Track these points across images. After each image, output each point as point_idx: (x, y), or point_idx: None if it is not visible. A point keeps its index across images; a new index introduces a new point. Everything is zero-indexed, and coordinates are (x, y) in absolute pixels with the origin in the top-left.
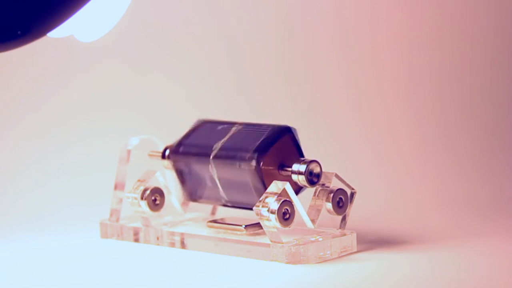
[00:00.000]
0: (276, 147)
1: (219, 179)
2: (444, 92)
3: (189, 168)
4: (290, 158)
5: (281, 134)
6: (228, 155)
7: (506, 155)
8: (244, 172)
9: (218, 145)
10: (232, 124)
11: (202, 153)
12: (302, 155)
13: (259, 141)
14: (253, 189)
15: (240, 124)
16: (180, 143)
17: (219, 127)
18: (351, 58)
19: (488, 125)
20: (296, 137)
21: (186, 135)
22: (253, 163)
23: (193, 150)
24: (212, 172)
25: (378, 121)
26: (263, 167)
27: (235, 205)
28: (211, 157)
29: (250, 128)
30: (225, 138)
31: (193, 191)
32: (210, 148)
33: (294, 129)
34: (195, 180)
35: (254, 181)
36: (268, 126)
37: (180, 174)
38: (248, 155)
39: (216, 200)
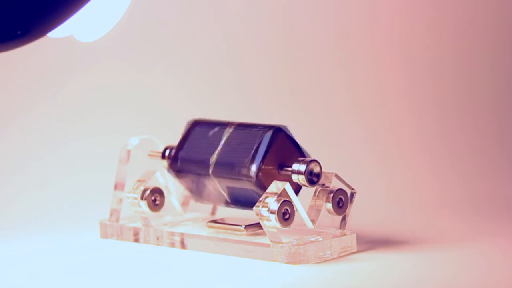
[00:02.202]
0: (271, 153)
1: (223, 188)
2: (445, 91)
3: (191, 180)
4: (289, 155)
5: (273, 138)
6: (225, 171)
7: (507, 155)
8: (245, 184)
9: (213, 159)
10: (223, 126)
11: (201, 170)
12: (301, 150)
13: (253, 152)
14: (257, 196)
15: (231, 126)
16: (175, 158)
17: (211, 133)
18: (351, 57)
19: (490, 125)
20: (289, 134)
21: (179, 145)
22: (252, 175)
23: (190, 167)
24: (214, 183)
25: (379, 121)
26: (262, 176)
27: (243, 207)
28: (210, 172)
29: (241, 132)
30: (219, 149)
31: (198, 195)
32: (207, 164)
33: (285, 126)
34: (199, 187)
35: (256, 190)
36: (258, 128)
37: (185, 184)
38: (245, 170)
39: (223, 202)
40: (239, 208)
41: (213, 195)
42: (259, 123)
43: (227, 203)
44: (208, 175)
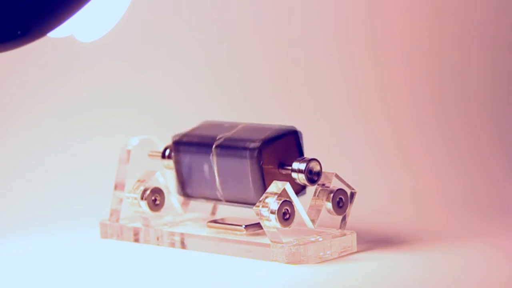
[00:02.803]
0: (279, 144)
1: (217, 171)
2: (445, 91)
3: (189, 158)
4: (291, 158)
5: (286, 133)
6: (230, 145)
7: (507, 155)
8: (244, 163)
9: (223, 136)
10: (237, 123)
11: (205, 143)
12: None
13: (265, 135)
14: (251, 183)
15: (246, 123)
16: (185, 134)
17: (226, 125)
18: (351, 57)
19: (490, 125)
20: (300, 140)
21: (192, 129)
22: (255, 152)
23: (197, 139)
24: (212, 162)
25: (379, 121)
26: (263, 160)
27: (229, 200)
28: (213, 146)
29: (256, 126)
30: (231, 132)
31: (187, 184)
32: (214, 138)
33: (300, 132)
34: (192, 172)
35: (253, 173)
36: (274, 125)
37: (178, 164)
38: (251, 144)
39: (210, 195)
40: (224, 203)
41: (204, 181)
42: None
43: (211, 195)
44: (210, 149)
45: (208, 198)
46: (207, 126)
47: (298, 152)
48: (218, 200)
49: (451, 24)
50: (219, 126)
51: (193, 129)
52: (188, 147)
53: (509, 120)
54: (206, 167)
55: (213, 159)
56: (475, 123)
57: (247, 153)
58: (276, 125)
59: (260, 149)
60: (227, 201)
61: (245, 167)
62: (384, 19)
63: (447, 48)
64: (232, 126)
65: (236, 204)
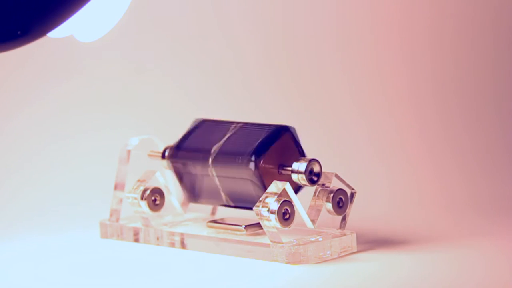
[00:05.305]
0: (275, 148)
1: (220, 182)
2: (447, 91)
3: (189, 172)
4: (291, 157)
5: (279, 134)
6: (226, 160)
7: (509, 154)
8: (244, 175)
9: (216, 149)
10: (229, 123)
11: (201, 158)
12: (303, 154)
13: (257, 143)
14: (254, 191)
15: (238, 123)
16: (178, 147)
17: (217, 128)
18: (354, 57)
19: (492, 125)
20: (295, 136)
21: (183, 137)
22: (251, 166)
23: (191, 155)
24: (212, 176)
25: (380, 121)
26: (262, 169)
27: (237, 205)
28: (209, 161)
29: (248, 128)
30: (223, 140)
31: (193, 192)
32: (208, 152)
33: (293, 128)
34: (195, 182)
35: (255, 183)
36: (266, 126)
37: (180, 177)
38: (246, 158)
39: (217, 201)
40: (234, 203)
41: (208, 190)
42: (267, 123)
43: (220, 199)
44: (207, 164)
45: (218, 204)
46: (198, 134)
47: (296, 148)
48: (228, 206)
49: (452, 22)
50: (210, 130)
51: (185, 136)
52: (184, 165)
53: (511, 120)
54: (208, 181)
55: (213, 173)
56: (477, 122)
57: (245, 168)
58: (268, 125)
59: (256, 164)
60: (236, 206)
61: (245, 179)
62: (386, 18)
63: (449, 48)
64: (224, 129)
65: (244, 208)
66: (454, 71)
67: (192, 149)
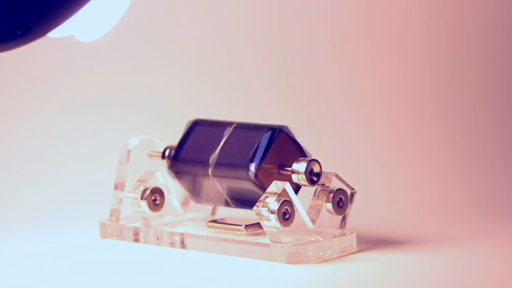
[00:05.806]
0: (271, 153)
1: (223, 188)
2: (445, 91)
3: (190, 180)
4: (290, 156)
5: (274, 138)
6: (225, 171)
7: (508, 155)
8: (245, 185)
9: (213, 159)
10: (223, 126)
11: (200, 171)
12: (302, 150)
13: (252, 151)
14: (257, 196)
15: (231, 125)
16: (175, 158)
17: (211, 133)
18: (351, 57)
19: (490, 125)
20: (291, 135)
21: (179, 145)
22: (251, 175)
23: (190, 168)
24: (214, 184)
25: (379, 121)
26: (261, 176)
27: (243, 206)
28: (209, 173)
29: (242, 132)
30: (218, 149)
31: (198, 196)
32: (207, 164)
33: (286, 127)
34: (198, 188)
35: (256, 190)
36: (259, 129)
37: (183, 183)
38: (244, 169)
39: (223, 204)
40: (239, 207)
41: (213, 195)
42: (260, 123)
43: (227, 203)
44: (207, 175)
45: (222, 205)
46: (193, 142)
47: (295, 147)
48: (228, 205)
49: (449, 22)
50: (204, 136)
51: (180, 144)
52: (185, 174)
53: (509, 120)
54: (210, 187)
55: (215, 183)
56: (475, 123)
57: (245, 178)
58: (262, 127)
59: (256, 175)
60: (241, 207)
61: (247, 186)
62: (383, 18)
63: (446, 47)
64: (218, 135)
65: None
66: (451, 71)
67: (190, 161)
